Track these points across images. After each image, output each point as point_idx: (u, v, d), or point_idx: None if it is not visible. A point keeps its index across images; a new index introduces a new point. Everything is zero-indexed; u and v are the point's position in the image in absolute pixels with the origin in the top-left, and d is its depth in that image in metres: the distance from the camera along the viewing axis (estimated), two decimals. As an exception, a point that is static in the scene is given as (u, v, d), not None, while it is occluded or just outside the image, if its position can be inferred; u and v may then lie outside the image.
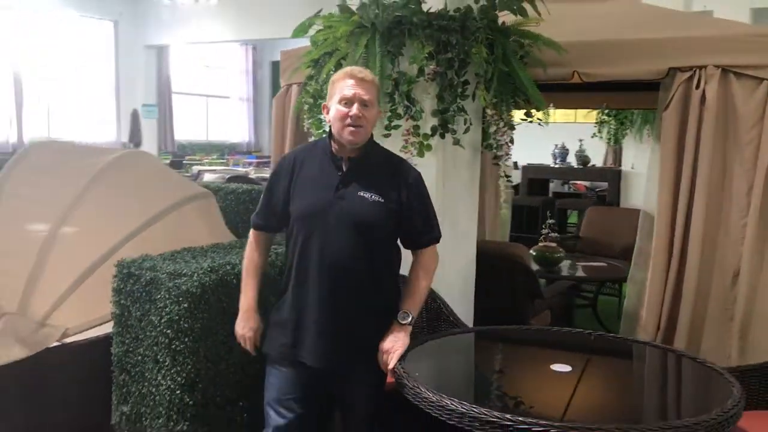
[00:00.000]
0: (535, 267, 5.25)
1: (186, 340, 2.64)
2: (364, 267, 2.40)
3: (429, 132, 3.49)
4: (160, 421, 2.71)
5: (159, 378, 2.69)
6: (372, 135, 2.52)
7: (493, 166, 7.63)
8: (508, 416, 1.94)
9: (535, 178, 9.37)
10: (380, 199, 2.40)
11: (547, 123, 3.92)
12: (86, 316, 2.99)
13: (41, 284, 2.98)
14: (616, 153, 9.61)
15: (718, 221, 3.73)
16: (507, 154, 3.68)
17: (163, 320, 2.65)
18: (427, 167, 3.59)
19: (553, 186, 11.86)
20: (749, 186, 3.62)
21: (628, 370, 2.78)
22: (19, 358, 2.85)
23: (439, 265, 3.71)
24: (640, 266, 4.07)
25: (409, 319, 2.43)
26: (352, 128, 2.36)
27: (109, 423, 2.88)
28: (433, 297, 3.35)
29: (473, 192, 4.03)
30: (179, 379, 2.65)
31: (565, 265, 5.35)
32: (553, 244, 5.29)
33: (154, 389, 2.72)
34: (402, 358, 2.38)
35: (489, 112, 3.55)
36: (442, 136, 3.53)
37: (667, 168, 3.79)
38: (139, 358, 2.78)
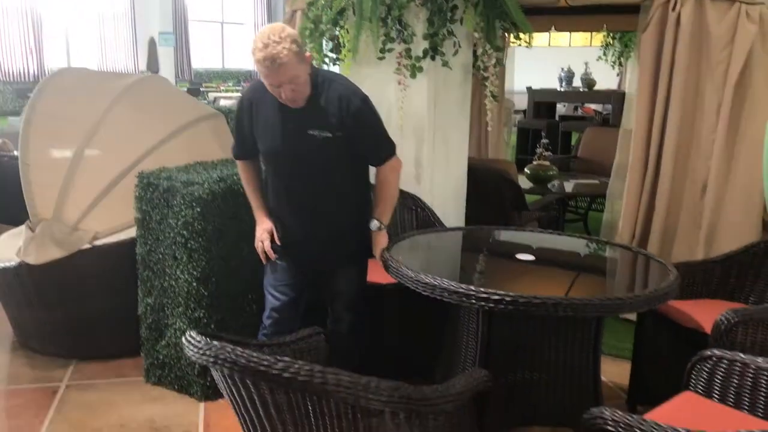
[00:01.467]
0: (529, 184, 5.59)
1: (200, 239, 3.02)
2: (329, 190, 2.68)
3: (420, 55, 3.76)
4: (179, 309, 3.13)
5: (178, 273, 3.09)
6: (314, 70, 2.59)
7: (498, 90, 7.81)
8: (472, 288, 2.28)
9: (542, 102, 9.55)
10: (328, 134, 2.55)
11: (531, 46, 4.16)
12: (113, 221, 3.38)
13: (72, 193, 3.36)
14: (623, 76, 9.75)
15: (690, 137, 4.01)
16: (493, 75, 3.94)
17: (179, 222, 3.03)
18: (419, 87, 3.90)
19: (565, 110, 12.02)
20: (719, 104, 3.89)
21: (585, 261, 3.12)
22: (56, 257, 3.26)
23: (433, 178, 4.08)
24: (619, 180, 4.38)
25: (378, 224, 2.75)
26: (289, 101, 2.53)
27: (136, 313, 3.30)
28: (422, 207, 3.69)
29: (464, 111, 4.31)
30: (195, 273, 3.04)
31: (557, 182, 5.66)
32: (546, 163, 5.60)
33: (174, 282, 3.13)
34: (388, 249, 2.74)
35: (476, 35, 3.81)
36: (433, 59, 3.80)
37: (644, 87, 4.06)
38: (160, 256, 3.17)
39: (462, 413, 1.90)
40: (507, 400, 2.60)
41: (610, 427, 1.67)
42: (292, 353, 2.21)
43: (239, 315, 3.21)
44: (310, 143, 2.57)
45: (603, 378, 3.53)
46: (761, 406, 1.99)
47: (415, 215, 3.69)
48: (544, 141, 5.65)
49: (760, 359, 2.00)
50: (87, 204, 3.37)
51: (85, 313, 3.40)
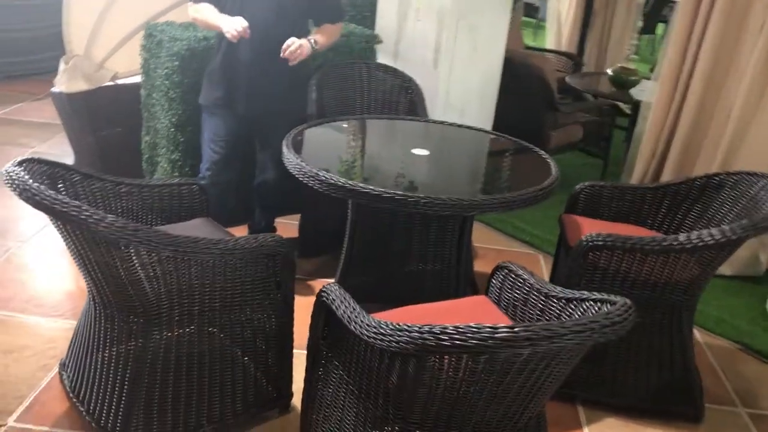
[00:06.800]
0: (611, 88, 5.30)
1: (178, 90, 3.37)
2: (284, 38, 2.90)
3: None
4: (163, 150, 3.57)
5: (162, 117, 3.50)
6: None
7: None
8: (350, 182, 2.38)
9: None
10: None
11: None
12: (131, 65, 3.84)
13: (101, 36, 3.83)
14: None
15: (730, 55, 3.67)
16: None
17: (163, 73, 3.39)
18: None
19: None
20: (762, 23, 3.51)
21: (483, 158, 3.12)
22: (83, 89, 3.80)
23: (452, 66, 4.09)
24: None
25: (313, 41, 2.99)
26: None
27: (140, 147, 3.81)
28: (415, 92, 3.72)
29: (503, 3, 4.15)
30: (173, 120, 3.43)
31: (640, 88, 5.32)
32: (631, 66, 5.26)
33: (160, 126, 3.56)
34: (293, 139, 2.87)
35: None
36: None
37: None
38: (154, 101, 3.59)
39: (249, 264, 2.15)
40: (371, 282, 2.77)
41: (328, 300, 1.86)
42: (159, 196, 2.56)
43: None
44: None
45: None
46: (528, 320, 2.05)
47: (407, 99, 3.78)
48: (633, 42, 5.27)
49: (533, 278, 2.04)
50: (112, 46, 3.84)
51: (108, 137, 3.95)
